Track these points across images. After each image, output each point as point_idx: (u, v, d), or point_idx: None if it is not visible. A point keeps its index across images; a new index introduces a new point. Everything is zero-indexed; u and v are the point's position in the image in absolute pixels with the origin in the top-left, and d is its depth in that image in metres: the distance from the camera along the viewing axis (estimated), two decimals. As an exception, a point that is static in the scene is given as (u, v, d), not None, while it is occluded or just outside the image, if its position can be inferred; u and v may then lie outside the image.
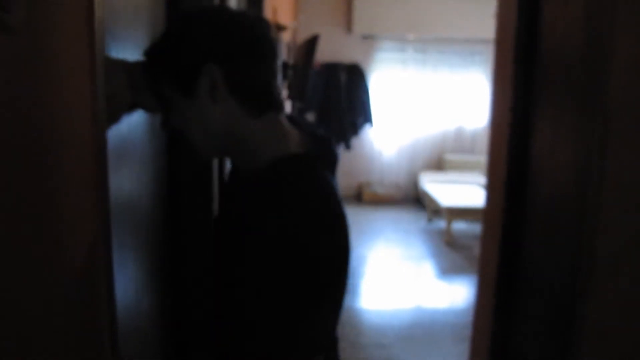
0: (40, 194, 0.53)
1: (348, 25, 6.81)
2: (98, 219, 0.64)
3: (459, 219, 5.52)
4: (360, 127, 6.99)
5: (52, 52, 0.55)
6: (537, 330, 1.69)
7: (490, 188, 2.09)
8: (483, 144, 6.47)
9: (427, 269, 4.73)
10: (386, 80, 7.00)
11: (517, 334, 1.84)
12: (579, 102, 1.46)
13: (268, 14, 3.30)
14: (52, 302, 0.55)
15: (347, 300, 3.85)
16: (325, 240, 0.81)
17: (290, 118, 0.98)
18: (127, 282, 0.95)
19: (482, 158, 6.31)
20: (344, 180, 6.88)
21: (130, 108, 0.93)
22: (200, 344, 1.31)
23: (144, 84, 0.90)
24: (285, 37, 4.40)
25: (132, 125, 1.00)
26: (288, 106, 4.88)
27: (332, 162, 0.96)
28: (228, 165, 1.42)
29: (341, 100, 6.75)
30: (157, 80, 0.88)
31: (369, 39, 6.88)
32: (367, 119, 6.91)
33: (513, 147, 1.82)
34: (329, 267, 0.82)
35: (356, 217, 6.14)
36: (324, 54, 6.26)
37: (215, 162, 1.36)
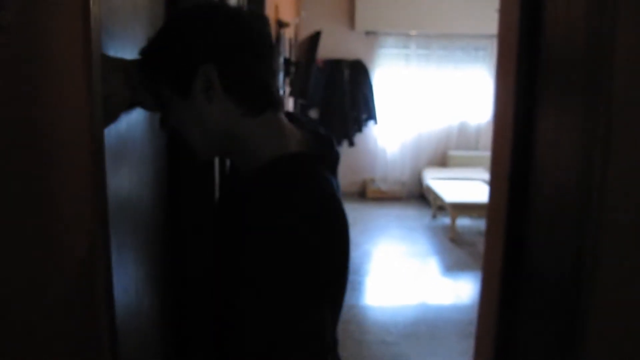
0: (38, 194, 0.53)
1: (351, 22, 6.80)
2: (97, 219, 0.64)
3: (463, 215, 5.51)
4: (364, 124, 6.99)
5: (47, 51, 0.54)
6: (542, 326, 1.68)
7: (494, 184, 2.08)
8: (487, 139, 6.42)
9: (431, 265, 4.72)
10: (389, 76, 6.98)
11: (522, 330, 1.83)
12: (581, 98, 1.45)
13: (270, 10, 3.29)
14: (51, 302, 0.55)
15: (352, 298, 3.86)
16: (324, 240, 0.81)
17: (290, 116, 0.97)
18: (127, 283, 0.94)
19: (486, 154, 6.22)
20: (347, 177, 6.88)
21: (129, 107, 0.92)
22: (200, 344, 1.31)
23: (142, 83, 0.89)
24: (288, 34, 4.39)
25: (132, 124, 0.99)
26: (291, 103, 4.87)
27: (332, 161, 0.95)
28: (228, 164, 1.41)
29: (344, 96, 6.74)
30: (154, 80, 0.87)
31: (372, 35, 6.86)
32: (371, 115, 6.89)
33: (516, 143, 1.81)
34: (329, 267, 0.82)
35: (360, 214, 6.14)
36: (326, 50, 6.26)
37: (215, 162, 1.35)
